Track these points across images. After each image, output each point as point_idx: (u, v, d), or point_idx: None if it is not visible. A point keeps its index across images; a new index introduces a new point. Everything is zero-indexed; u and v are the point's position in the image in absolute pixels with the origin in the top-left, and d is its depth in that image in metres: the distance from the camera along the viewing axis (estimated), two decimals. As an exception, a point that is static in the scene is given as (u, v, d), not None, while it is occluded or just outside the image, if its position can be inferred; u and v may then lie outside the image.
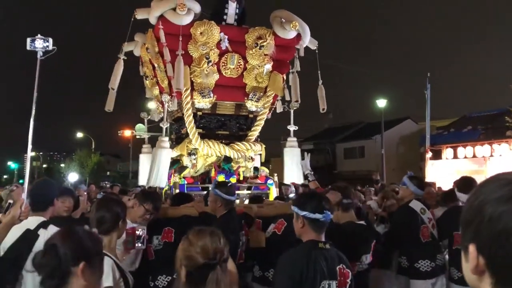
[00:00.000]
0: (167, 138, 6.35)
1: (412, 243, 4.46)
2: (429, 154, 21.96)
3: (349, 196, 3.81)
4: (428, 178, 19.75)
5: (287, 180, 6.91)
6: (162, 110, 6.81)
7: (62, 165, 51.63)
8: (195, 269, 1.88)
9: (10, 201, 3.19)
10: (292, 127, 6.92)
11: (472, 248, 0.89)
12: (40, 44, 3.11)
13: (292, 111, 6.88)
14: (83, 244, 1.71)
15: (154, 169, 6.14)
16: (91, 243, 1.75)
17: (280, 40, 6.63)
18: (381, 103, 28.13)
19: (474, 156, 18.00)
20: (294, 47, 6.72)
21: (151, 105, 7.62)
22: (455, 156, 19.64)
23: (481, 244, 0.87)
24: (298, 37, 6.69)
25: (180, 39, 6.14)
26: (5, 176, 64.79)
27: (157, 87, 6.94)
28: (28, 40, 3.11)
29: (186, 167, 6.53)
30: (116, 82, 6.65)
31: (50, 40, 3.11)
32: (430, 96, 21.55)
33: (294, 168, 6.80)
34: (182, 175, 6.44)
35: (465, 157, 18.51)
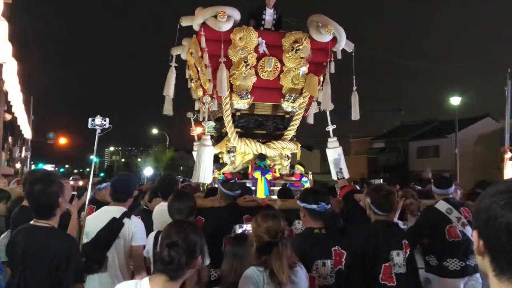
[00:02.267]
0: (209, 137, 6.81)
1: (439, 243, 4.65)
2: (508, 155, 20.89)
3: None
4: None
5: (334, 177, 7.14)
6: (205, 111, 7.39)
7: (139, 159, 54.54)
8: (262, 244, 2.47)
9: (74, 192, 3.91)
10: (330, 127, 7.13)
11: (475, 234, 1.10)
12: (99, 122, 3.69)
13: (328, 112, 7.12)
14: (200, 241, 2.11)
15: (199, 166, 6.53)
16: (200, 238, 2.13)
17: (316, 44, 6.93)
18: (455, 100, 26.82)
19: (562, 156, 16.77)
20: (330, 50, 6.98)
21: (197, 106, 8.17)
22: (537, 157, 18.51)
23: (480, 229, 1.08)
24: (334, 40, 6.96)
25: (222, 46, 6.63)
26: (87, 169, 70.09)
27: (201, 89, 7.50)
28: (90, 120, 3.67)
29: (225, 164, 7.06)
30: (171, 90, 7.32)
31: (107, 119, 3.68)
32: (511, 93, 20.57)
33: (339, 167, 7.01)
34: (221, 171, 6.98)
35: (551, 158, 17.27)
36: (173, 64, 7.33)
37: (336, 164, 6.55)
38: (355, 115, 7.21)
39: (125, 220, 3.59)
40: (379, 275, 3.24)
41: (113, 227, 3.55)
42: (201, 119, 7.77)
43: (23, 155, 35.77)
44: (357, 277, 3.17)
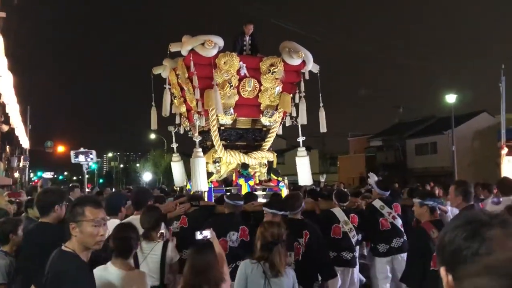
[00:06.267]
0: (200, 149, 8.09)
1: (374, 231, 6.30)
2: (504, 151, 21.73)
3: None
4: (505, 175, 19.77)
5: (301, 183, 8.62)
6: (188, 125, 8.74)
7: (138, 165, 55.77)
8: (266, 243, 3.61)
9: None
10: (300, 138, 8.59)
11: (442, 270, 1.15)
12: (82, 159, 4.05)
13: (299, 125, 8.54)
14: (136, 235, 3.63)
15: (195, 176, 7.75)
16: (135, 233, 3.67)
17: (288, 67, 8.29)
18: (451, 98, 27.37)
19: (558, 152, 17.39)
20: (299, 71, 8.37)
21: (178, 120, 9.42)
22: (534, 152, 19.33)
23: (447, 264, 1.13)
24: (303, 63, 8.34)
25: (213, 70, 7.90)
26: (86, 176, 71.39)
27: (184, 105, 8.82)
28: (72, 153, 3.96)
29: (213, 173, 8.39)
30: (167, 109, 8.69)
31: (94, 152, 3.98)
32: (506, 89, 21.53)
33: (305, 173, 8.45)
34: (209, 180, 8.31)
35: (547, 154, 17.94)
36: (167, 86, 8.68)
37: (304, 171, 7.98)
38: (323, 128, 8.62)
39: None
40: None
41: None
42: (181, 132, 9.15)
43: (21, 165, 36.99)
44: None
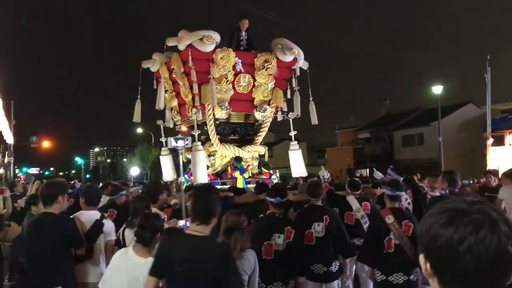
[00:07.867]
0: (200, 143, 8.29)
1: None
2: (490, 141, 22.30)
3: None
4: (490, 166, 20.33)
5: (294, 175, 9.05)
6: (180, 119, 9.04)
7: (125, 159, 55.64)
8: (225, 229, 3.96)
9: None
10: (292, 133, 9.02)
11: (421, 257, 1.18)
12: (181, 144, 4.87)
13: (291, 120, 8.95)
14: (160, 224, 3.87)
15: (197, 169, 7.99)
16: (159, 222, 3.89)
17: (281, 63, 8.68)
18: (437, 89, 27.51)
19: (542, 141, 16.90)
20: (291, 68, 8.76)
21: (167, 114, 9.57)
22: (519, 142, 19.77)
23: (425, 251, 1.16)
24: (295, 60, 8.72)
25: (210, 65, 8.18)
26: (73, 171, 71.20)
27: (175, 99, 9.12)
28: (171, 139, 4.88)
29: (208, 167, 8.73)
30: (162, 102, 8.97)
31: (189, 139, 4.87)
32: (491, 79, 21.91)
33: (298, 166, 8.86)
34: (206, 173, 8.66)
35: (532, 143, 17.57)
36: (162, 80, 8.99)
37: (297, 164, 8.39)
38: (314, 120, 9.01)
39: None
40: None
41: None
42: (171, 126, 9.47)
43: (6, 161, 36.80)
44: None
